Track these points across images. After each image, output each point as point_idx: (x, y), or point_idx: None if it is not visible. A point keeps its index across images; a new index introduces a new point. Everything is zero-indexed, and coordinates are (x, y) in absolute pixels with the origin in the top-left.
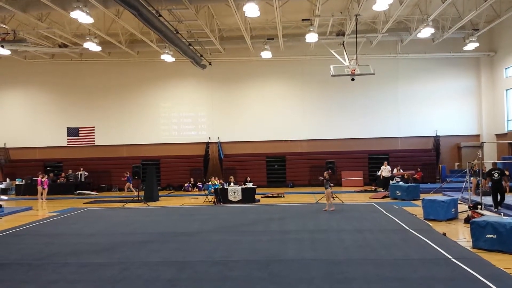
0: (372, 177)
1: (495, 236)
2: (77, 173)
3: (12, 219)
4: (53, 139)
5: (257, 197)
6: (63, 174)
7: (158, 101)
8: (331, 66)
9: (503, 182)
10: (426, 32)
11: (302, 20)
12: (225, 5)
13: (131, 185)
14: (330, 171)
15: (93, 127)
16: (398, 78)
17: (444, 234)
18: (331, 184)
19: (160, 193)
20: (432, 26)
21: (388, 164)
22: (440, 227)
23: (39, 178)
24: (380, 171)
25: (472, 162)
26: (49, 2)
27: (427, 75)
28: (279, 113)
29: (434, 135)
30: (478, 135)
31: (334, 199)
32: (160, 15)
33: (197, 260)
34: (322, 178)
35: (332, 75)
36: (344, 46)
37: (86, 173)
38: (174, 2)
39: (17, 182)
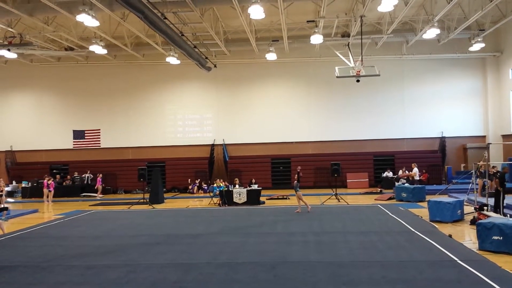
0: (377, 178)
1: (501, 238)
2: (83, 175)
3: (19, 222)
4: (59, 142)
5: (262, 199)
6: (69, 177)
7: (164, 104)
8: (336, 68)
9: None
10: (431, 33)
11: (307, 21)
12: (230, 7)
13: (101, 187)
14: (299, 172)
15: (99, 129)
16: (403, 79)
17: (450, 236)
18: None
19: (165, 195)
20: (437, 27)
21: (393, 167)
22: (446, 229)
23: (45, 181)
24: (412, 172)
25: (478, 163)
26: (55, 5)
27: (433, 76)
28: (284, 114)
29: (440, 136)
30: (484, 136)
31: (300, 203)
32: (165, 18)
33: (203, 262)
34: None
35: (337, 77)
36: (349, 47)
37: (91, 175)
38: (179, 5)
39: (23, 185)
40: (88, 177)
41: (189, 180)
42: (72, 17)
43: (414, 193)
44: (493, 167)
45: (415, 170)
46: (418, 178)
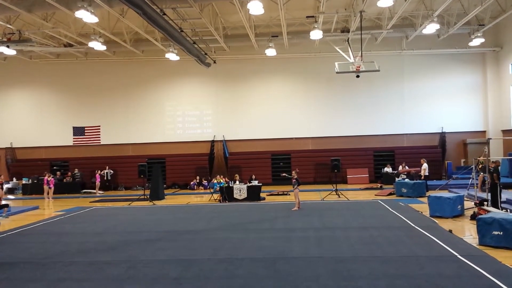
0: (377, 174)
1: (501, 233)
2: (103, 172)
3: (19, 219)
4: (59, 139)
5: (262, 195)
6: (69, 173)
7: (163, 100)
8: (336, 63)
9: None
10: (431, 28)
11: (307, 17)
12: (229, 3)
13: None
14: (298, 170)
15: (99, 126)
16: (403, 75)
17: (450, 231)
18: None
19: (165, 191)
20: (437, 22)
21: (393, 163)
22: (446, 224)
23: (46, 178)
24: (422, 167)
25: (478, 158)
26: (54, 2)
27: (433, 71)
28: (284, 110)
29: (440, 131)
30: (484, 131)
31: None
32: (164, 14)
33: (203, 258)
34: (285, 176)
35: (337, 72)
36: (348, 42)
37: (111, 171)
38: (178, 1)
39: (23, 182)
40: (107, 173)
41: (198, 178)
42: (71, 14)
43: (414, 189)
44: (493, 162)
45: (425, 165)
46: (427, 174)
